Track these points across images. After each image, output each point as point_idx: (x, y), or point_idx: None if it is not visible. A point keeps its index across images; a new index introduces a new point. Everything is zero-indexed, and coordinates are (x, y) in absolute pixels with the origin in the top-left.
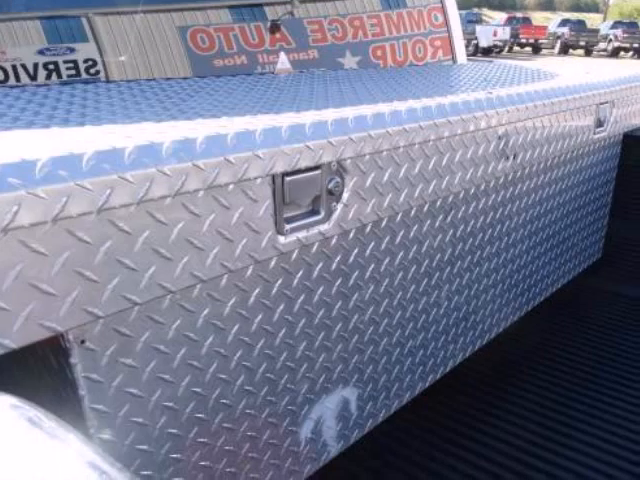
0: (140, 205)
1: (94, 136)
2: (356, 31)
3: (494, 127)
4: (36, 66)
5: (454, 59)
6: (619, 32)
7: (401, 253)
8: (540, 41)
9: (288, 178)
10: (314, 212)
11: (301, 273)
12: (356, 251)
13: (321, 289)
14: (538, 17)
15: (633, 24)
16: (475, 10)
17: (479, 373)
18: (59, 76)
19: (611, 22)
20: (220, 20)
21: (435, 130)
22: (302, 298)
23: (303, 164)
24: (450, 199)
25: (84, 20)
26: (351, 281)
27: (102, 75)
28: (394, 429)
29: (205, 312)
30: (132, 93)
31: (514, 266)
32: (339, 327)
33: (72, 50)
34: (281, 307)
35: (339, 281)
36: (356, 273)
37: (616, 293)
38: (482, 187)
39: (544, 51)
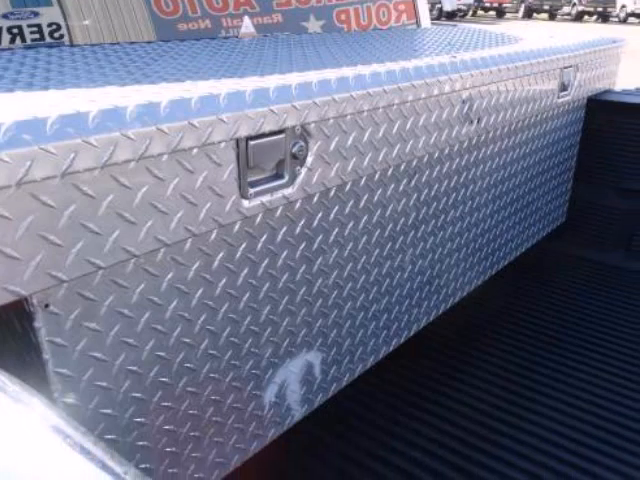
0: (104, 169)
1: (58, 100)
2: None
3: (458, 91)
4: (0, 30)
5: (418, 23)
6: None
7: (365, 217)
8: (504, 5)
9: (252, 142)
10: (278, 176)
11: (265, 237)
12: (320, 215)
13: (285, 253)
14: None
15: None
16: None
17: (443, 337)
18: (23, 40)
19: None
20: None
21: (399, 94)
22: (266, 262)
23: (267, 128)
24: (414, 163)
25: None
26: (315, 245)
27: (66, 39)
28: (358, 393)
29: (169, 276)
30: (96, 57)
31: (478, 230)
32: (303, 291)
33: (36, 14)
34: (245, 271)
35: (303, 245)
36: (320, 237)
37: (580, 257)
38: (446, 151)
39: (508, 15)
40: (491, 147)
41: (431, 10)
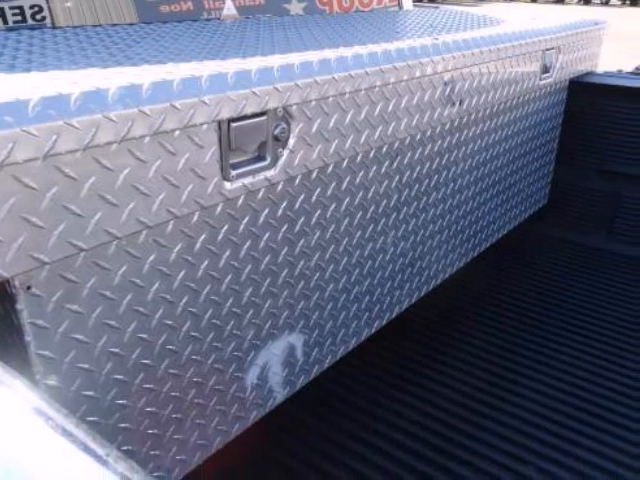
0: (86, 151)
1: (40, 82)
2: None
3: (440, 73)
4: None
5: (400, 5)
6: None
7: (347, 199)
8: None
9: (234, 124)
10: (260, 158)
11: (247, 219)
12: (302, 197)
13: (267, 235)
14: None
15: None
16: None
17: (425, 319)
18: (5, 22)
19: None
20: None
21: (381, 76)
22: (248, 244)
23: (249, 110)
24: (396, 145)
25: None
26: (297, 227)
27: (48, 21)
28: (340, 375)
29: (151, 258)
30: (78, 39)
31: (460, 212)
32: (285, 273)
33: None
34: (227, 253)
35: (285, 227)
36: (302, 219)
37: (562, 239)
38: (428, 133)
39: None
40: (473, 129)
41: None
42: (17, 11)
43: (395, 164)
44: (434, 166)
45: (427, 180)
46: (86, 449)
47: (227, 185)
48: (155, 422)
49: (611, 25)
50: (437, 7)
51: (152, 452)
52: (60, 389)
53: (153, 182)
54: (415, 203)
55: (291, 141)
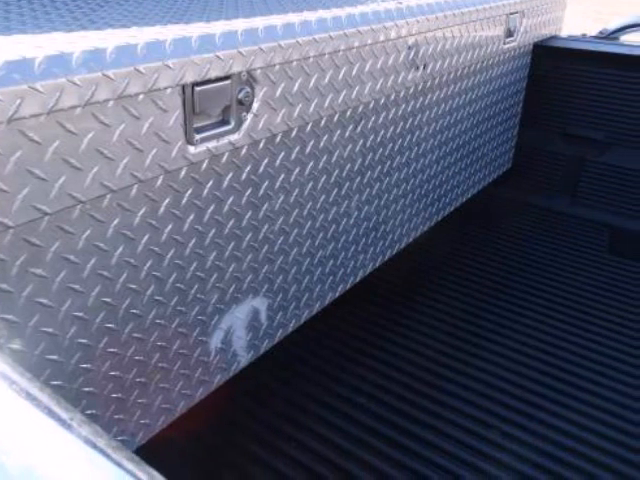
0: (50, 115)
1: (4, 46)
2: None
3: (404, 37)
4: None
5: None
6: None
7: (311, 163)
8: None
9: (198, 88)
10: (224, 122)
11: (211, 183)
12: (266, 161)
13: (231, 199)
14: None
15: None
16: None
17: (389, 283)
18: None
19: None
20: None
21: (345, 40)
22: (212, 208)
23: (213, 74)
24: (360, 109)
25: None
26: (261, 191)
27: None
28: (304, 339)
29: (115, 222)
30: (42, 3)
31: (424, 176)
32: (249, 237)
33: None
34: (191, 217)
35: (249, 191)
36: (266, 183)
37: (526, 203)
38: (392, 97)
39: None
40: (437, 93)
41: None
42: None
43: (359, 128)
44: (398, 130)
45: (391, 144)
46: (50, 413)
47: (191, 149)
48: (119, 386)
49: None
50: None
51: (116, 416)
52: (24, 353)
53: (117, 146)
54: (379, 167)
55: (255, 105)
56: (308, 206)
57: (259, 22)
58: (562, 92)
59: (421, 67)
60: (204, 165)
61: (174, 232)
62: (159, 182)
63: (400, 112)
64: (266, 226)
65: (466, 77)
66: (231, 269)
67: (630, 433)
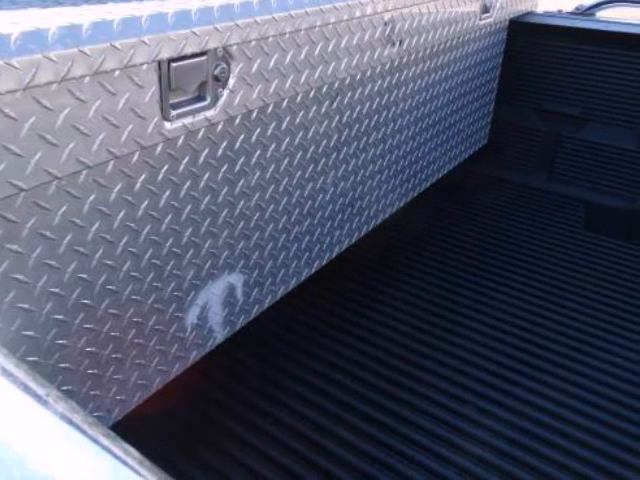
0: (26, 91)
1: None
2: None
3: (380, 13)
4: None
5: None
6: None
7: (287, 139)
8: None
9: (174, 64)
10: (200, 98)
11: (187, 159)
12: (242, 137)
13: (207, 175)
14: None
15: None
16: None
17: (365, 259)
18: None
19: None
20: None
21: (321, 16)
22: (188, 184)
23: (189, 50)
24: (336, 85)
25: None
26: (237, 167)
27: None
28: (280, 315)
29: (91, 198)
30: None
31: (400, 152)
32: (225, 213)
33: None
34: (167, 193)
35: (225, 167)
36: (242, 159)
37: (502, 179)
38: (368, 73)
39: None
40: (413, 69)
41: None
42: None
43: (335, 104)
44: (374, 106)
45: (367, 120)
46: (26, 389)
47: (167, 125)
48: (95, 362)
49: None
50: None
51: (92, 392)
52: (0, 329)
53: (93, 122)
54: (355, 143)
55: (231, 81)
56: (284, 182)
57: None
58: (538, 68)
59: (397, 43)
60: (180, 141)
61: (150, 208)
62: (135, 158)
63: (376, 88)
64: (242, 202)
65: (442, 53)
66: (207, 245)
67: (605, 409)
